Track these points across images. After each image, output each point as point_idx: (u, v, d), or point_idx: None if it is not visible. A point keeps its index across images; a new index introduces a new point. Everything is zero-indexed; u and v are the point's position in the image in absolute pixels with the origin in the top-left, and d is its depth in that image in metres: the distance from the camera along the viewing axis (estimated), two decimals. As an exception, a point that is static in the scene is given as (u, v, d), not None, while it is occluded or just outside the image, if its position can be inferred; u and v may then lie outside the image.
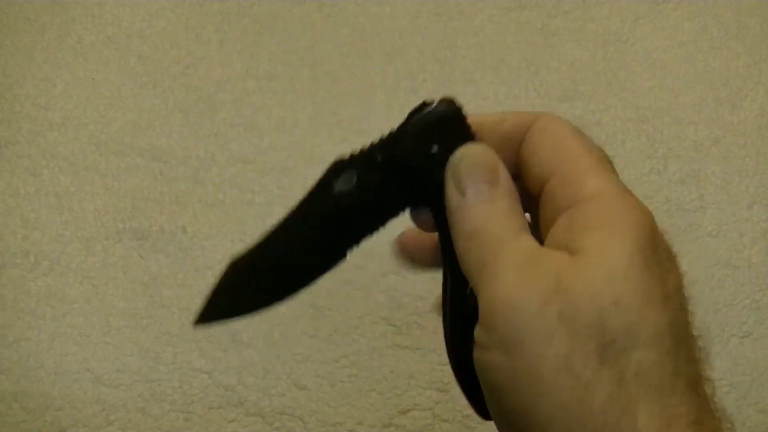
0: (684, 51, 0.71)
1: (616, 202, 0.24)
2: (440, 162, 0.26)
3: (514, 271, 0.22)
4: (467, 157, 0.26)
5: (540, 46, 0.71)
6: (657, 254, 0.22)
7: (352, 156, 0.26)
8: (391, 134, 0.27)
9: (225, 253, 0.59)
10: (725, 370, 0.56)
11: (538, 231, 0.27)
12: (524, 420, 0.21)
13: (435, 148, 0.26)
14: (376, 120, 0.65)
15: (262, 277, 0.28)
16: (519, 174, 0.27)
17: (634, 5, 0.74)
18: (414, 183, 0.26)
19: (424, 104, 0.26)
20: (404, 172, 0.26)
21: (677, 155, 0.65)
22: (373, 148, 0.27)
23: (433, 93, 0.75)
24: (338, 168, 0.27)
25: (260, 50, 0.70)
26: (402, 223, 0.29)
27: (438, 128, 0.26)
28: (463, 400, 0.28)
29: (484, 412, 0.26)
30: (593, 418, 0.20)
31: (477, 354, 0.23)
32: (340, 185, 0.26)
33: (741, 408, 0.54)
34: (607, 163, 0.26)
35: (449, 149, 0.26)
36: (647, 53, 0.71)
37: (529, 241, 0.24)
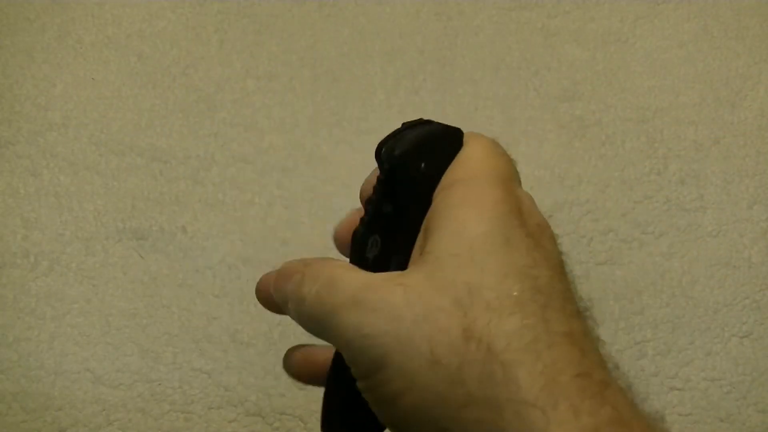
0: (684, 51, 0.71)
1: (452, 197, 0.24)
2: (427, 177, 0.25)
3: (353, 308, 0.22)
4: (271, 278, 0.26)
5: (540, 46, 0.71)
6: (511, 229, 0.22)
7: (362, 220, 0.26)
8: (385, 179, 0.26)
9: (225, 253, 0.59)
10: (725, 370, 0.56)
11: None
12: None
13: (423, 165, 0.25)
14: (376, 120, 0.65)
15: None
16: None
17: (634, 5, 0.74)
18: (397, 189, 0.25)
19: (420, 121, 0.26)
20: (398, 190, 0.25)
21: (677, 155, 0.65)
22: (378, 199, 0.25)
23: (433, 93, 0.75)
24: (361, 239, 0.26)
25: (260, 50, 0.70)
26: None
27: (432, 145, 0.25)
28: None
29: None
30: (471, 397, 0.20)
31: (366, 396, 0.23)
32: (372, 253, 0.26)
33: (741, 408, 0.54)
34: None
35: (439, 167, 0.25)
36: (647, 53, 0.71)
37: (358, 273, 0.24)
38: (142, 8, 0.73)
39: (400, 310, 0.21)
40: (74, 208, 0.61)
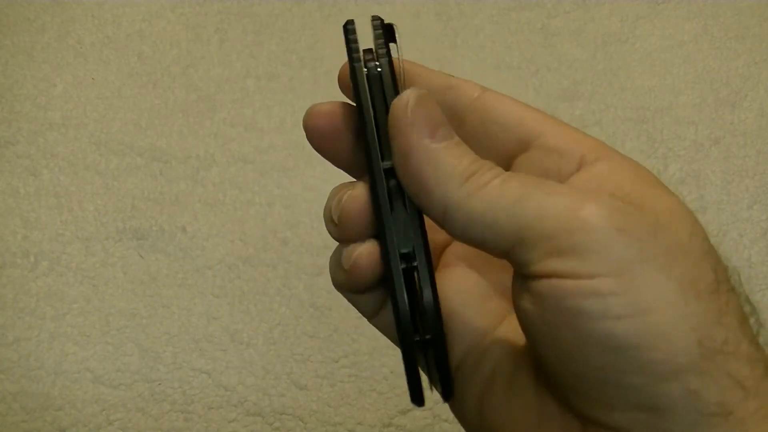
0: (684, 51, 0.71)
1: (625, 161, 0.23)
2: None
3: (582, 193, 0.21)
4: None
5: (540, 46, 0.71)
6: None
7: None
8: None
9: (225, 253, 0.59)
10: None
11: None
12: (636, 357, 0.19)
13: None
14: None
15: None
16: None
17: (634, 5, 0.74)
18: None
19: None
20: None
21: (677, 155, 0.65)
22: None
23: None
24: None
25: (260, 50, 0.70)
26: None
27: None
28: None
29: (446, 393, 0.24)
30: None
31: (562, 285, 0.20)
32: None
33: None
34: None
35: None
36: (647, 53, 0.71)
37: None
38: (142, 8, 0.73)
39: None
40: (74, 208, 0.61)
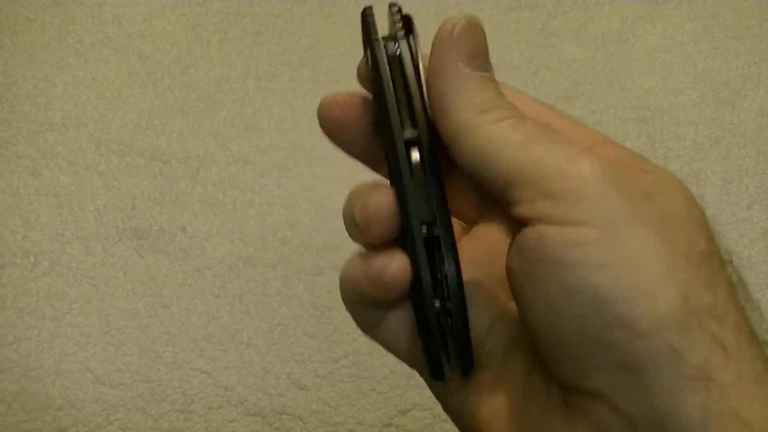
0: (684, 51, 0.71)
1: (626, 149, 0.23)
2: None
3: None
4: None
5: (540, 46, 0.71)
6: None
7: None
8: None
9: (225, 253, 0.59)
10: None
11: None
12: (624, 312, 0.18)
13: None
14: (376, 120, 0.65)
15: None
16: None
17: (634, 5, 0.74)
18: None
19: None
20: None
21: (677, 155, 0.65)
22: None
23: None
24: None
25: (260, 50, 0.70)
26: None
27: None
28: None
29: (437, 373, 0.24)
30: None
31: (546, 233, 0.20)
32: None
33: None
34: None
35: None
36: (647, 53, 0.71)
37: None
38: (142, 8, 0.73)
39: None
40: (74, 208, 0.61)
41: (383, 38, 0.25)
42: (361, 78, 0.26)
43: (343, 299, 0.25)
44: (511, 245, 0.21)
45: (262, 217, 0.61)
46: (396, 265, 0.23)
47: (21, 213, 0.61)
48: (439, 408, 0.57)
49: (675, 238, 0.19)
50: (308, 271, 0.58)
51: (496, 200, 0.22)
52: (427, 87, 0.23)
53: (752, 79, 0.69)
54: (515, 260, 0.21)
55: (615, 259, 0.19)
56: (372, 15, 0.25)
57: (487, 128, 0.21)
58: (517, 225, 0.21)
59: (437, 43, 0.23)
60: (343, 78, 0.68)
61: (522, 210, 0.20)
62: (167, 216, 0.61)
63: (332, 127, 0.26)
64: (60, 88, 0.68)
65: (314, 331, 0.56)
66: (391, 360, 0.54)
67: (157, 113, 0.67)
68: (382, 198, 0.23)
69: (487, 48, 0.23)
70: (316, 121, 0.26)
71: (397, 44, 0.24)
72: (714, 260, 0.20)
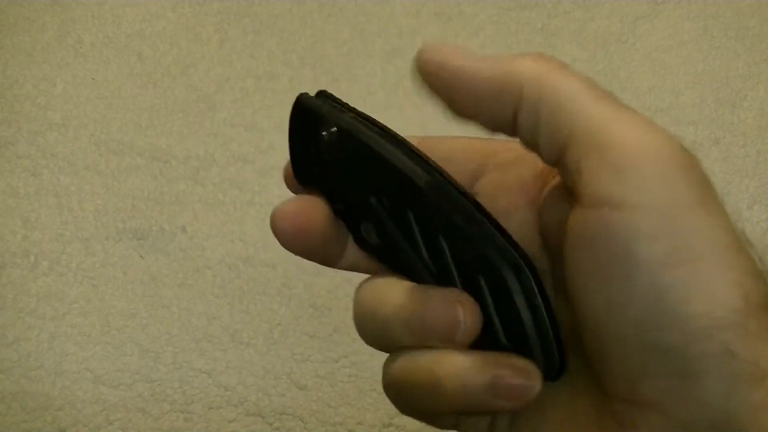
0: (684, 51, 0.71)
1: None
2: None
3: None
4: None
5: (540, 46, 0.71)
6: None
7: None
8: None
9: (225, 253, 0.59)
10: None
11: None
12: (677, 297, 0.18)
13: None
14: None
15: None
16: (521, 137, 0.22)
17: (634, 5, 0.74)
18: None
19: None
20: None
21: (677, 155, 0.65)
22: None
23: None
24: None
25: (260, 50, 0.70)
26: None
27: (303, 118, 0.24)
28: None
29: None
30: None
31: (613, 222, 0.18)
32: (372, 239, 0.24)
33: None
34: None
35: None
36: (647, 53, 0.71)
37: None
38: (142, 8, 0.73)
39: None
40: (74, 208, 0.61)
41: (338, 110, 0.25)
42: (290, 182, 0.26)
43: (410, 410, 0.23)
44: (568, 229, 0.19)
45: (262, 217, 0.61)
46: (521, 365, 0.20)
47: (21, 213, 0.61)
48: (439, 408, 0.56)
49: (730, 226, 0.19)
50: (308, 271, 0.58)
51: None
52: (447, 78, 0.22)
53: (752, 79, 0.69)
54: (577, 249, 0.19)
55: (679, 252, 0.18)
56: (326, 94, 0.26)
57: (557, 78, 0.20)
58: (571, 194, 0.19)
59: (428, 53, 0.22)
60: (342, 78, 0.68)
61: (585, 184, 0.19)
62: (167, 216, 0.61)
63: (294, 238, 0.25)
64: (60, 88, 0.68)
65: (314, 331, 0.55)
66: (391, 360, 0.54)
67: (157, 113, 0.67)
68: (473, 312, 0.21)
69: None
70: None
71: (350, 113, 0.25)
72: (748, 245, 0.19)
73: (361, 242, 0.24)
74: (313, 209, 0.24)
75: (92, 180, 0.63)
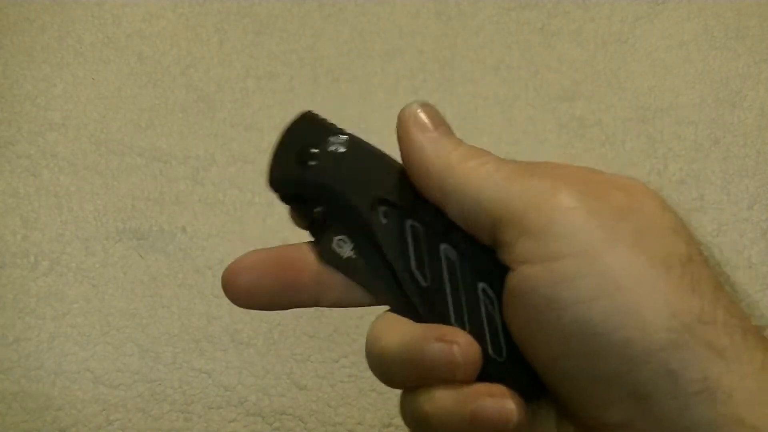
0: (684, 51, 0.71)
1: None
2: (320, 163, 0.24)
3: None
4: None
5: (540, 46, 0.71)
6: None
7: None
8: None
9: (225, 253, 0.59)
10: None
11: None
12: (607, 332, 0.19)
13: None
14: (376, 120, 0.65)
15: None
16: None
17: (634, 5, 0.74)
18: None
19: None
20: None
21: (677, 155, 0.65)
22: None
23: (433, 93, 0.75)
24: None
25: (260, 50, 0.70)
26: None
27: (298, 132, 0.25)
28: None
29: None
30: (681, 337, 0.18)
31: (533, 273, 0.20)
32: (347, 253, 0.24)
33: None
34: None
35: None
36: (647, 53, 0.71)
37: None
38: (142, 8, 0.73)
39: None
40: (74, 208, 0.61)
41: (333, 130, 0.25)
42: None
43: None
44: (503, 294, 0.21)
45: (262, 217, 0.61)
46: (500, 393, 0.21)
47: (21, 213, 0.61)
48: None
49: (653, 252, 0.19)
50: (308, 271, 0.58)
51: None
52: (406, 164, 0.23)
53: (752, 79, 0.69)
54: (509, 309, 0.21)
55: (601, 287, 0.19)
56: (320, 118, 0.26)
57: (472, 174, 0.22)
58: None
59: (404, 122, 0.24)
60: (342, 78, 0.68)
61: (507, 254, 0.21)
62: (167, 216, 0.61)
63: (252, 293, 0.26)
64: (60, 88, 0.68)
65: (314, 331, 0.55)
66: (391, 360, 0.54)
67: (157, 113, 0.67)
68: (473, 349, 0.21)
69: (444, 119, 0.24)
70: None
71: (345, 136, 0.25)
72: (695, 260, 0.20)
73: (329, 255, 0.25)
74: (265, 257, 0.26)
75: (92, 180, 0.63)
